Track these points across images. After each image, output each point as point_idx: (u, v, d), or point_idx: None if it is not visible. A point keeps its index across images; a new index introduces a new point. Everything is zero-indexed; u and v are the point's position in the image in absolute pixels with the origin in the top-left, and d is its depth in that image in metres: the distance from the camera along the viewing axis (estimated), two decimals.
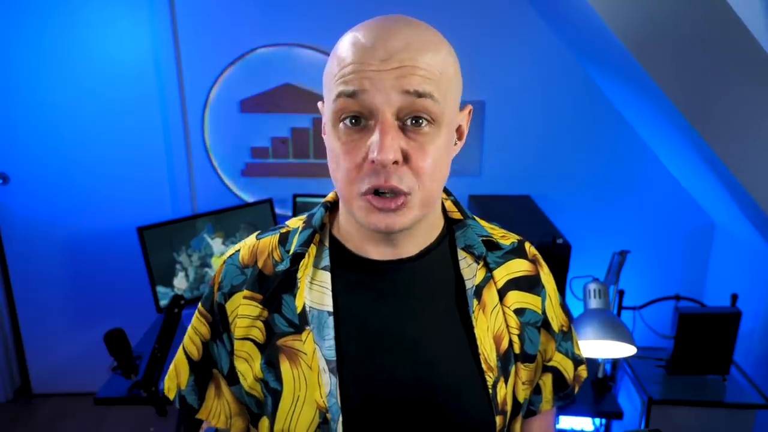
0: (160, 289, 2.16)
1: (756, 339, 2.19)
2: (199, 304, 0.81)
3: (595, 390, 1.90)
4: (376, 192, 0.65)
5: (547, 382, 0.84)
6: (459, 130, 0.74)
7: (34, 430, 2.70)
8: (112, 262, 2.71)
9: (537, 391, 0.84)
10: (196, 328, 0.81)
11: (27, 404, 2.87)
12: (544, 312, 0.81)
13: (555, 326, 0.82)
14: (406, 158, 0.65)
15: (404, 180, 0.65)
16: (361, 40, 0.65)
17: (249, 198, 2.63)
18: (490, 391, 0.73)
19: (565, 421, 2.11)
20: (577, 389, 0.88)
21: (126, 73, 2.49)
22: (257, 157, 2.59)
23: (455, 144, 0.74)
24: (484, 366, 0.74)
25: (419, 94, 0.63)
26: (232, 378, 0.78)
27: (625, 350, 1.75)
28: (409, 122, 0.65)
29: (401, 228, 0.68)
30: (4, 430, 2.71)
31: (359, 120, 0.65)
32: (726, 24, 1.35)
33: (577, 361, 0.87)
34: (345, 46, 0.67)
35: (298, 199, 2.51)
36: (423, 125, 0.65)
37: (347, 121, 0.65)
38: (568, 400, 0.87)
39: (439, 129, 0.66)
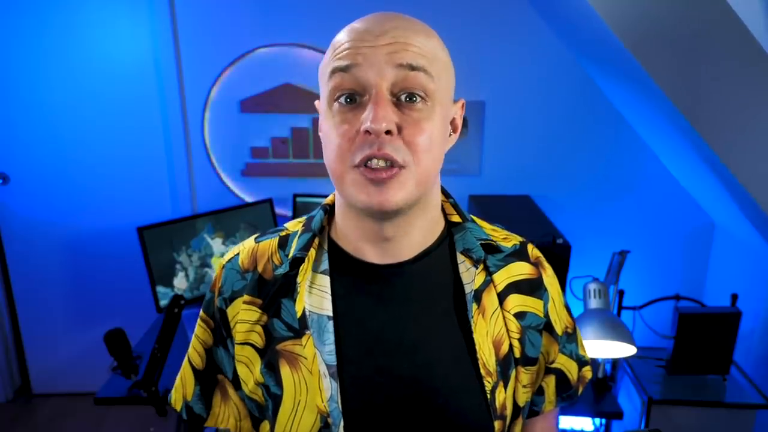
0: (160, 289, 2.16)
1: (756, 339, 2.19)
2: (201, 311, 0.81)
3: (595, 390, 1.90)
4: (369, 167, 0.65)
5: (550, 383, 0.83)
6: (453, 123, 0.74)
7: (34, 430, 2.70)
8: (112, 262, 2.71)
9: (540, 392, 0.83)
10: (198, 336, 0.81)
11: (27, 404, 2.87)
12: (546, 315, 0.80)
13: (558, 329, 0.81)
14: (399, 131, 0.65)
15: (399, 151, 0.64)
16: (355, 26, 0.67)
17: (249, 198, 2.63)
18: (489, 396, 0.73)
19: (565, 421, 2.11)
20: (581, 390, 0.87)
21: (126, 73, 2.49)
22: (257, 157, 2.59)
23: (450, 136, 0.73)
24: (482, 371, 0.73)
25: (412, 67, 0.64)
26: (237, 382, 0.78)
27: (625, 350, 1.75)
28: (403, 98, 0.65)
29: (396, 207, 0.66)
30: (4, 430, 2.71)
31: (354, 98, 0.66)
32: (726, 24, 1.35)
33: (582, 362, 0.86)
34: (340, 35, 0.69)
35: (298, 199, 2.51)
36: (417, 101, 0.65)
37: (342, 99, 0.66)
38: (571, 401, 0.86)
39: (433, 107, 0.66)
